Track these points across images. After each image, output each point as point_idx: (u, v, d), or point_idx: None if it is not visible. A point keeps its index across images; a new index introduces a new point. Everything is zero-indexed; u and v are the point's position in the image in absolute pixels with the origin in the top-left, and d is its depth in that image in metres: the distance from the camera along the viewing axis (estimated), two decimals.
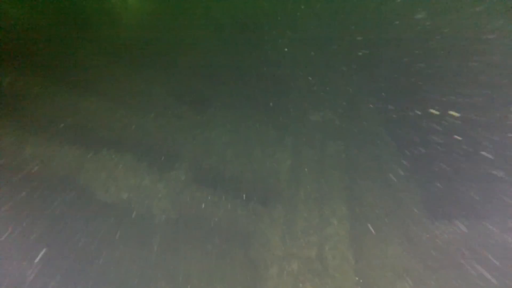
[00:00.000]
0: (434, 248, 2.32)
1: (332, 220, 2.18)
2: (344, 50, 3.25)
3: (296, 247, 2.00)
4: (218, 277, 1.90)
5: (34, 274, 1.78)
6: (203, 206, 1.99)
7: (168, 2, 3.57)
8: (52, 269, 1.79)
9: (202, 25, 3.31)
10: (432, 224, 2.35)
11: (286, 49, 3.39)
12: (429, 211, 2.36)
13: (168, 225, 1.89)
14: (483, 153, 2.71)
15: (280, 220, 2.10)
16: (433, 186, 2.46)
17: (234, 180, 2.23)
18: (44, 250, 1.81)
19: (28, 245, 1.83)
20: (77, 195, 1.93)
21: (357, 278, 2.06)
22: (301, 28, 3.52)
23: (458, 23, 3.62)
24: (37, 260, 1.79)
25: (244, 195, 2.14)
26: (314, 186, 2.39)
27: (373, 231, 2.21)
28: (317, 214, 2.21)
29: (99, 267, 1.80)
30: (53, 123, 2.18)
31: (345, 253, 2.05)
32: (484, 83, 3.15)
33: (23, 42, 2.57)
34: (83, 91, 2.36)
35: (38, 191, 1.95)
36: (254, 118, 2.67)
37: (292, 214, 2.16)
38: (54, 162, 2.04)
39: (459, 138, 2.77)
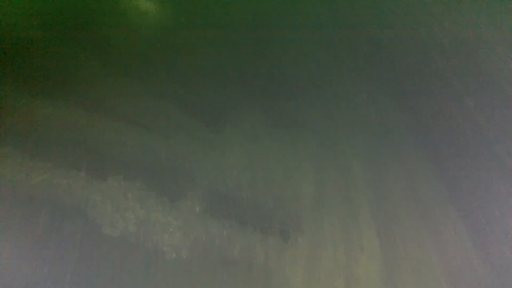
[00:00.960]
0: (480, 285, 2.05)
1: (361, 258, 1.96)
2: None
3: None
4: None
5: None
6: (217, 242, 1.80)
7: (177, 7, 3.39)
8: None
9: (213, 32, 3.15)
10: (480, 258, 2.08)
11: (306, 59, 3.17)
12: (477, 245, 2.10)
13: (178, 262, 1.71)
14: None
15: (303, 258, 1.89)
16: (477, 215, 2.21)
17: (253, 209, 2.03)
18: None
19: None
20: (81, 227, 1.77)
21: None
22: (321, 33, 3.30)
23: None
24: None
25: (263, 228, 1.94)
26: (340, 215, 2.17)
27: (408, 269, 1.97)
28: (344, 250, 1.98)
29: None
30: (57, 145, 2.05)
31: None
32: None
33: (22, 57, 2.47)
34: (87, 109, 2.24)
35: (40, 221, 1.81)
36: (273, 135, 2.46)
37: (316, 250, 1.94)
38: (59, 190, 1.90)
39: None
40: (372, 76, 3.05)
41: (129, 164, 2.07)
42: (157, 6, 3.40)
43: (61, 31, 2.80)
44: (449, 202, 2.35)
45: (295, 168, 2.27)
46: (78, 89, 2.36)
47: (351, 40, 3.27)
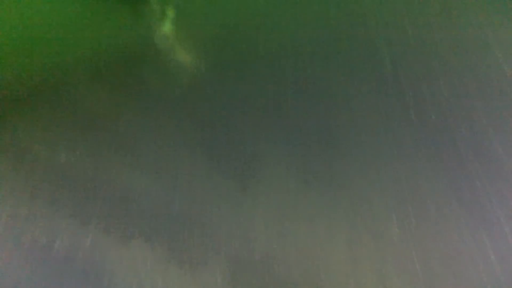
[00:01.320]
0: None
1: None
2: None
3: None
4: None
5: None
6: None
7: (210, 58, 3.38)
8: None
9: (243, 82, 3.09)
10: None
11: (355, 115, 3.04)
12: None
13: None
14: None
15: None
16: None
17: (283, 283, 1.82)
18: None
19: None
20: None
21: None
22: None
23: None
24: None
25: None
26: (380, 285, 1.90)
27: None
28: None
29: None
30: (69, 196, 1.98)
31: None
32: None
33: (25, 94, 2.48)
34: (94, 156, 2.16)
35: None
36: (305, 195, 2.28)
37: None
38: (74, 247, 1.80)
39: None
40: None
41: (149, 225, 1.95)
42: (191, 56, 3.41)
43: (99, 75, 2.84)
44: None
45: (329, 240, 2.06)
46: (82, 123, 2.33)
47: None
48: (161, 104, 2.80)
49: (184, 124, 2.62)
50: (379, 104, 3.07)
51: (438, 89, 3.20)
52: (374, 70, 3.34)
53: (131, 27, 3.65)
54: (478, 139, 2.87)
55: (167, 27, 3.15)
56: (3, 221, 2.20)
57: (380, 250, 2.08)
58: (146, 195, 2.10)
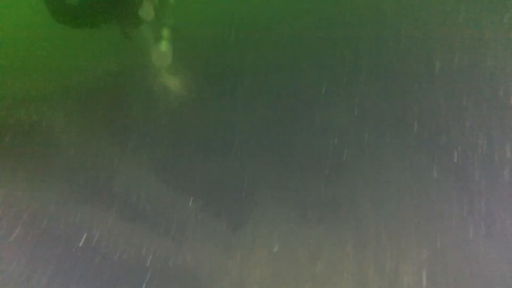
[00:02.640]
0: None
1: None
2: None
3: None
4: None
5: None
6: None
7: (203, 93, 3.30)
8: None
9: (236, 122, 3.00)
10: None
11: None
12: None
13: None
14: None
15: None
16: None
17: None
18: None
19: None
20: None
21: None
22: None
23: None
24: None
25: None
26: None
27: None
28: None
29: None
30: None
31: None
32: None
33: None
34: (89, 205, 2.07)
35: None
36: (300, 234, 2.13)
37: None
38: None
39: None
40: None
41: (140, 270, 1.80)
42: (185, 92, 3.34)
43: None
44: None
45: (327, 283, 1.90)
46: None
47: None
48: (147, 140, 2.71)
49: (169, 158, 2.52)
50: (382, 128, 2.96)
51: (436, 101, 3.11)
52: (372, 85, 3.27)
53: (118, 52, 3.61)
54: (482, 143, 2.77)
55: (155, 52, 3.07)
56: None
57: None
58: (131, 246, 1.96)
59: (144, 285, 1.77)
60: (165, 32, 3.06)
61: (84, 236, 1.95)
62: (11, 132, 2.83)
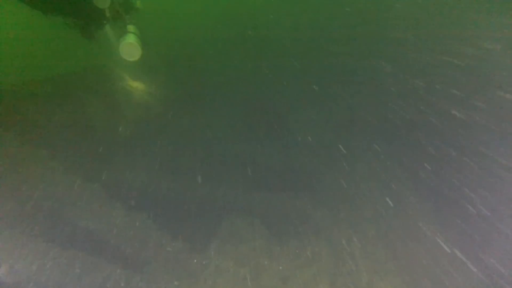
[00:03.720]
0: None
1: None
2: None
3: None
4: None
5: None
6: None
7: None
8: None
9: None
10: None
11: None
12: None
13: None
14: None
15: None
16: None
17: None
18: None
19: None
20: None
21: None
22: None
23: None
24: None
25: None
26: None
27: None
28: None
29: None
30: None
31: None
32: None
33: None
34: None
35: None
36: (278, 245, 2.13)
37: None
38: None
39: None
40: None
41: None
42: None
43: None
44: None
45: None
46: None
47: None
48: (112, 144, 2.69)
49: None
50: (359, 143, 2.93)
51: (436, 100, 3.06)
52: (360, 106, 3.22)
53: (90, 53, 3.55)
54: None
55: (124, 46, 2.96)
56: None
57: None
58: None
59: None
60: (131, 28, 3.00)
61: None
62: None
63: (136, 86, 3.39)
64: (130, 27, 2.98)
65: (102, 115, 3.05)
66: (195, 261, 2.05)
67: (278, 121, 3.01)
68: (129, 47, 2.79)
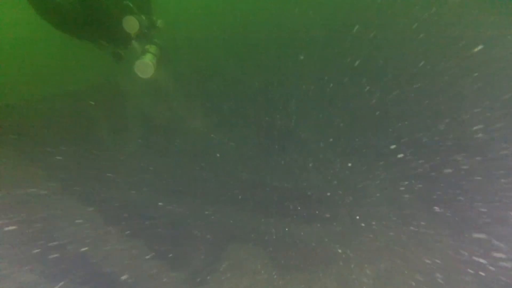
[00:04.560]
0: None
1: None
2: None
3: None
4: None
5: None
6: None
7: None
8: None
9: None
10: None
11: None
12: None
13: None
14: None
15: None
16: None
17: None
18: None
19: None
20: None
21: None
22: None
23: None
24: None
25: None
26: None
27: None
28: None
29: None
30: None
31: None
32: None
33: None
34: None
35: None
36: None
37: None
38: None
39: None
40: None
41: None
42: None
43: None
44: None
45: None
46: None
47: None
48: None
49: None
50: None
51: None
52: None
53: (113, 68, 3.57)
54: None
55: (139, 64, 3.03)
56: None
57: None
58: None
59: None
60: (151, 49, 3.08)
61: None
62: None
63: (139, 99, 3.36)
64: (151, 47, 3.08)
65: (102, 124, 3.01)
66: None
67: (289, 139, 2.85)
68: (144, 65, 2.92)
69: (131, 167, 2.67)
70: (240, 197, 2.48)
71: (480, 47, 3.25)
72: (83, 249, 2.09)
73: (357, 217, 2.37)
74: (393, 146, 2.73)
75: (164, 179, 2.58)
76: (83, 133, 3.00)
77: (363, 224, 2.34)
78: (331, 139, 2.87)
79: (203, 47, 3.93)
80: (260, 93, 3.39)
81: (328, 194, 2.50)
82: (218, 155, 2.72)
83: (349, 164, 2.65)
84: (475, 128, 2.66)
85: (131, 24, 2.91)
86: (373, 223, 2.34)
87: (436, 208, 2.34)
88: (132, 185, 2.51)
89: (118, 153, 2.79)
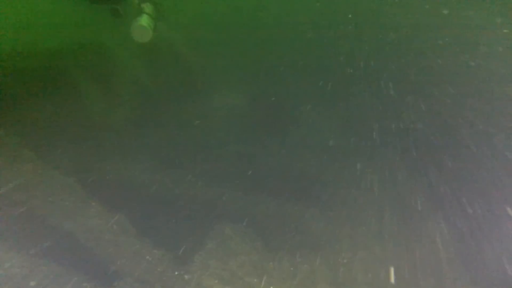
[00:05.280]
0: None
1: None
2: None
3: None
4: None
5: None
6: None
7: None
8: None
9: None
10: None
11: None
12: None
13: None
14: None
15: None
16: None
17: None
18: None
19: None
20: None
21: None
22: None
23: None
24: None
25: None
26: None
27: None
28: None
29: None
30: None
31: None
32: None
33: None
34: None
35: None
36: None
37: None
38: None
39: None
40: None
41: None
42: None
43: None
44: None
45: None
46: None
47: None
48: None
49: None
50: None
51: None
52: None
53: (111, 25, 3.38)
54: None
55: (135, 28, 2.86)
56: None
57: None
58: None
59: None
60: (147, 8, 2.94)
61: None
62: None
63: (137, 71, 3.19)
64: (147, 7, 2.86)
65: (97, 103, 2.88)
66: (176, 273, 1.82)
67: (283, 119, 2.73)
68: (140, 29, 2.81)
69: (118, 137, 2.54)
70: (232, 173, 2.37)
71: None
72: (62, 222, 1.98)
73: (355, 201, 2.30)
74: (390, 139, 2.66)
75: (152, 149, 2.46)
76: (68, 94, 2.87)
77: (357, 210, 2.26)
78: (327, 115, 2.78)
79: (205, 13, 3.72)
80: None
81: (324, 176, 2.40)
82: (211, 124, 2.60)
83: (349, 143, 2.57)
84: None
85: None
86: (368, 209, 2.27)
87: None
88: (117, 154, 2.38)
89: (104, 120, 2.65)
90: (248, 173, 2.40)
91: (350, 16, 3.44)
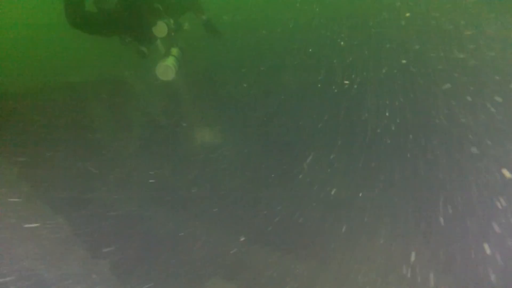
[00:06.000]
0: None
1: None
2: None
3: None
4: None
5: None
6: None
7: None
8: None
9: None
10: None
11: None
12: None
13: None
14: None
15: None
16: None
17: None
18: None
19: None
20: None
21: None
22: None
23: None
24: None
25: None
26: None
27: None
28: None
29: None
30: None
31: None
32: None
33: None
34: None
35: None
36: None
37: None
38: None
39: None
40: None
41: None
42: None
43: None
44: None
45: None
46: None
47: None
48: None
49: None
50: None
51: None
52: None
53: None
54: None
55: (160, 66, 3.01)
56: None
57: None
58: None
59: None
60: (174, 51, 3.20)
61: None
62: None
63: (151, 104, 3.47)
64: (174, 50, 3.17)
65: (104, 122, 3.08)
66: None
67: (290, 161, 2.59)
68: (166, 68, 2.98)
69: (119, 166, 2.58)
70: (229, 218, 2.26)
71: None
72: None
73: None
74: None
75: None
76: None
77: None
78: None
79: (228, 52, 3.93)
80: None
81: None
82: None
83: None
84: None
85: (160, 29, 3.04)
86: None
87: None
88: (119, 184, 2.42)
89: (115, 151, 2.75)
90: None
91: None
